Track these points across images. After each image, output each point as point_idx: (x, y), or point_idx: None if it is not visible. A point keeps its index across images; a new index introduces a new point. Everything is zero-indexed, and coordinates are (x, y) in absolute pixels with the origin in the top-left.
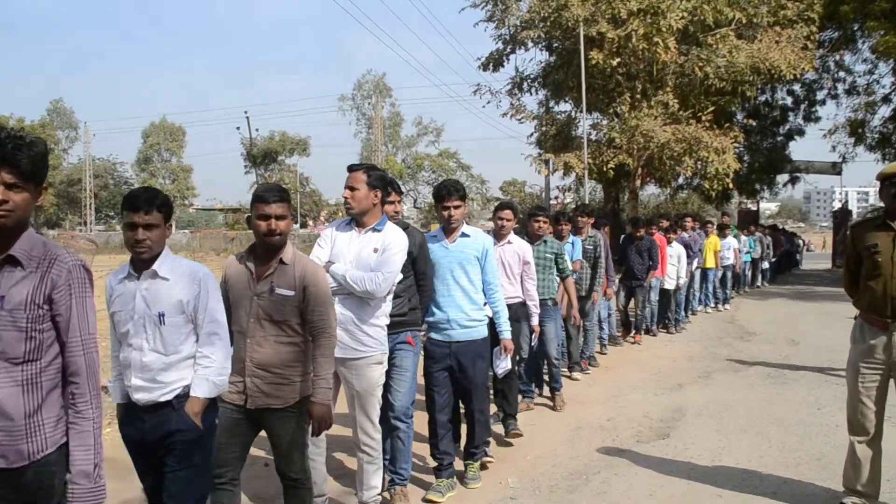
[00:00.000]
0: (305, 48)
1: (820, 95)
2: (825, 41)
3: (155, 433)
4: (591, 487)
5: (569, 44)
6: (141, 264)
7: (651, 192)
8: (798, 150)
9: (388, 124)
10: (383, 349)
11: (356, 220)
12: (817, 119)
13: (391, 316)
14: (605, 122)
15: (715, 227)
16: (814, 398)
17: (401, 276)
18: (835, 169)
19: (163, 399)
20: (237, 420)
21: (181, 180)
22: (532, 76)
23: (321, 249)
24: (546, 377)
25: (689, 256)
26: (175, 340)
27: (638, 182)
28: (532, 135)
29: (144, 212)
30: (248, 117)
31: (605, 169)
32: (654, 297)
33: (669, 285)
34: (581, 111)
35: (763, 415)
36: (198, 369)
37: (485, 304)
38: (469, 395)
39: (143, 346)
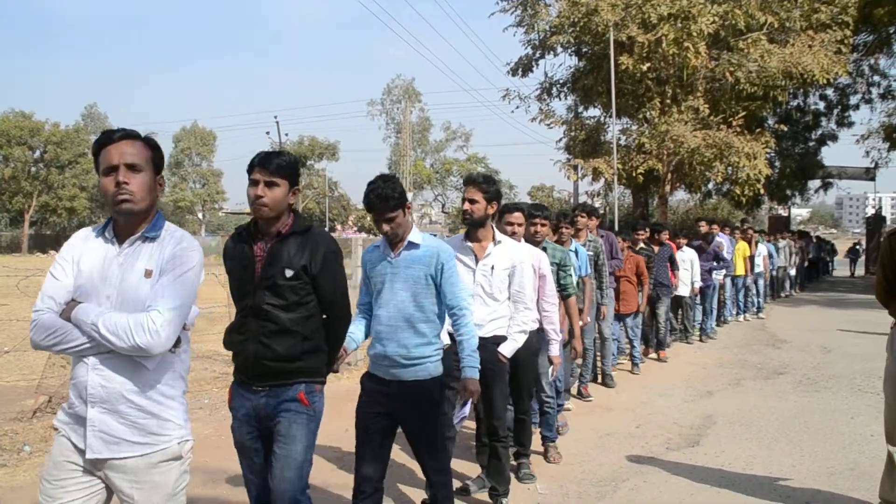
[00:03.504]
0: (335, 53)
1: (853, 100)
2: (859, 45)
3: None
4: (620, 495)
5: (598, 49)
6: None
7: (680, 198)
8: (830, 155)
9: (416, 129)
10: (182, 434)
11: (115, 222)
12: (850, 124)
13: (273, 361)
14: (634, 128)
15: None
16: (847, 407)
17: (285, 300)
18: (868, 174)
19: None
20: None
21: (211, 184)
22: (561, 81)
23: (56, 280)
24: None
25: (718, 263)
26: None
27: (667, 188)
28: (561, 140)
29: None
30: (277, 122)
31: (634, 174)
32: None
33: (683, 291)
34: (610, 116)
35: (795, 423)
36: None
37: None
38: (418, 451)
39: None
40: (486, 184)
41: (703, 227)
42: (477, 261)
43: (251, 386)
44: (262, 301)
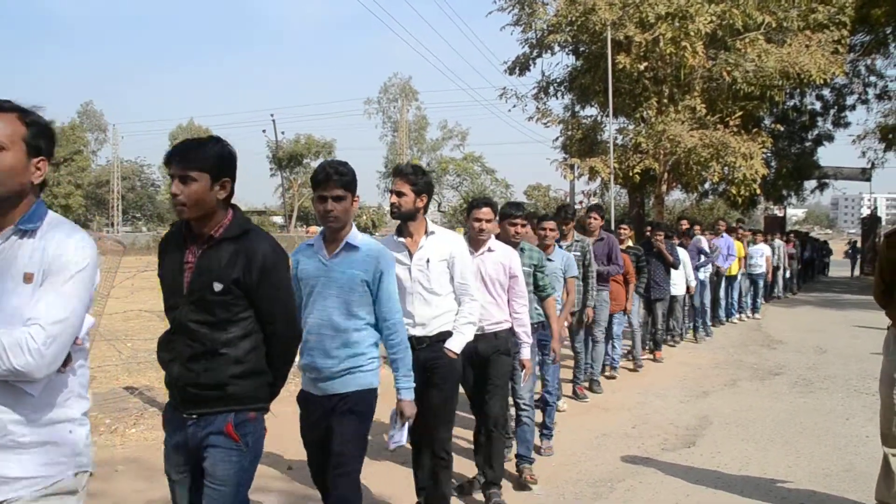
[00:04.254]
0: (331, 51)
1: (850, 100)
2: (856, 45)
3: None
4: (616, 495)
5: (596, 48)
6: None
7: (676, 198)
8: (827, 155)
9: (413, 128)
10: (79, 463)
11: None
12: (847, 124)
13: (196, 387)
14: (631, 127)
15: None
16: (843, 408)
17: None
18: (864, 175)
19: None
20: None
21: None
22: (558, 80)
23: None
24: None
25: (703, 261)
26: None
27: (664, 187)
28: (558, 139)
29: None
30: (273, 120)
31: (630, 174)
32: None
33: (676, 291)
34: (607, 115)
35: (791, 424)
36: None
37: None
38: (330, 465)
39: None
40: (414, 175)
41: (685, 225)
42: (411, 256)
43: (181, 412)
44: (187, 317)
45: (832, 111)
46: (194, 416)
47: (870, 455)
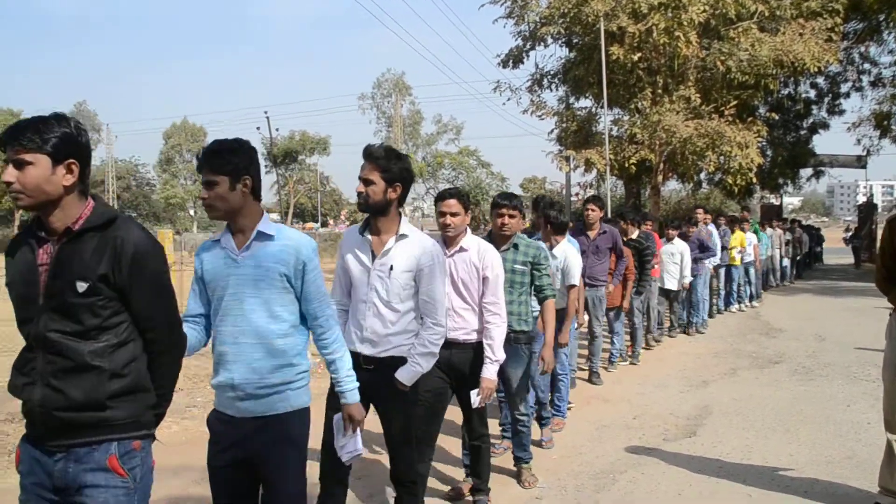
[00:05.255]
0: (325, 47)
1: (844, 88)
2: (849, 33)
3: None
4: (618, 487)
5: (589, 39)
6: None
7: (672, 188)
8: (822, 143)
9: (407, 122)
10: None
11: None
12: (842, 112)
13: (67, 411)
14: (626, 118)
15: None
16: (843, 395)
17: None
18: (860, 162)
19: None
20: None
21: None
22: (552, 72)
23: None
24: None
25: (704, 253)
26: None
27: (660, 178)
28: (553, 131)
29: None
30: (268, 117)
31: (626, 165)
32: (654, 301)
33: (670, 285)
34: (602, 107)
35: (791, 412)
36: None
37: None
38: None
39: None
40: (385, 159)
41: (700, 214)
42: (373, 258)
43: (44, 445)
44: (47, 328)
45: (826, 99)
46: (63, 449)
47: (871, 442)
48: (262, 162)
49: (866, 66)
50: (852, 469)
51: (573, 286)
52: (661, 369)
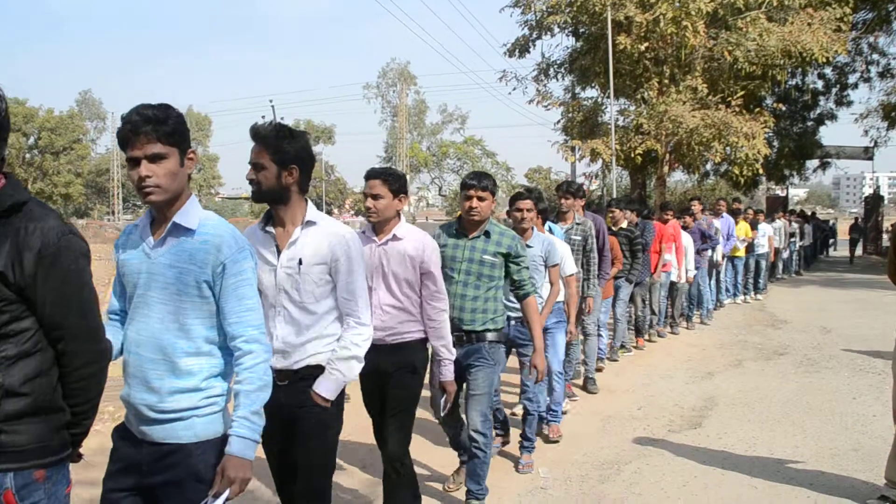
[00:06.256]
0: (330, 36)
1: (852, 79)
2: (858, 23)
3: None
4: (622, 477)
5: (595, 29)
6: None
7: (678, 179)
8: (829, 134)
9: (412, 112)
10: None
11: None
12: (849, 103)
13: None
14: (632, 108)
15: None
16: (849, 387)
17: None
18: (867, 154)
19: None
20: None
21: (207, 169)
22: (558, 62)
23: None
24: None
25: (706, 244)
26: None
27: (666, 168)
28: (559, 121)
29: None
30: (273, 106)
31: (632, 155)
32: (664, 293)
33: (675, 277)
34: (608, 97)
35: (797, 404)
36: None
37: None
38: None
39: None
40: (276, 139)
41: (696, 207)
42: (279, 253)
43: None
44: None
45: (834, 90)
46: None
47: (877, 434)
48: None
49: (875, 56)
50: (858, 461)
51: (556, 265)
52: (667, 360)
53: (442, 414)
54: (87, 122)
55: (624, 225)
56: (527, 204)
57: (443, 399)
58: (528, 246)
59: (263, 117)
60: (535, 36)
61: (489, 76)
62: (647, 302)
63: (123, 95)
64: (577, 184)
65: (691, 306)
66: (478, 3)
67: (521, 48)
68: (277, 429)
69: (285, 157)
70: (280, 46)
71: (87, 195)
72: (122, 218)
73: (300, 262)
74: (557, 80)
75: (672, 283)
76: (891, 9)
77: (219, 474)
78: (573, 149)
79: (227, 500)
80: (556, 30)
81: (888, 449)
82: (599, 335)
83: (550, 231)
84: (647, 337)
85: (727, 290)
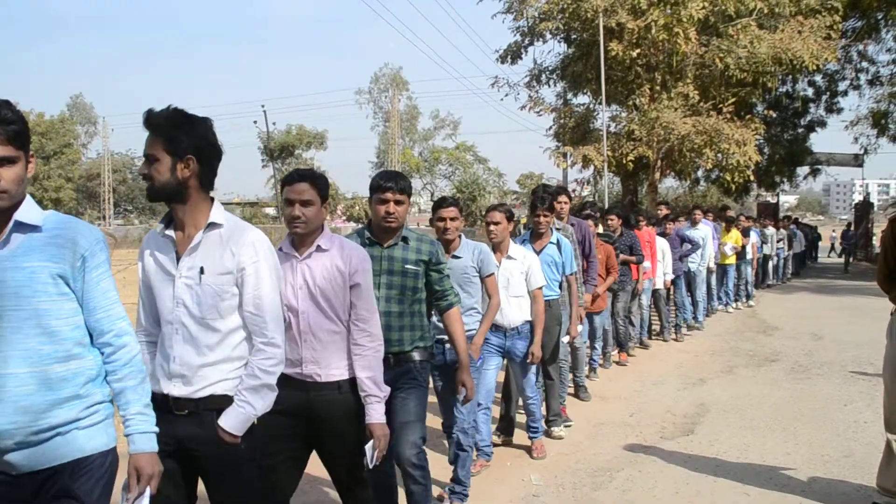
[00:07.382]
0: (322, 41)
1: (842, 86)
2: (848, 31)
3: None
4: (615, 485)
5: (587, 35)
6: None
7: (669, 185)
8: (819, 141)
9: (404, 118)
10: None
11: None
12: (839, 110)
13: None
14: (624, 115)
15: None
16: (840, 394)
17: None
18: (857, 161)
19: None
20: None
21: None
22: (550, 68)
23: None
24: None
25: (691, 250)
26: None
27: (657, 175)
28: (550, 127)
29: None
30: (265, 111)
31: (624, 161)
32: (646, 301)
33: (657, 285)
34: (600, 103)
35: (789, 410)
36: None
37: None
38: None
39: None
40: (170, 127)
41: (662, 211)
42: (178, 260)
43: None
44: None
45: (824, 97)
46: None
47: (868, 441)
48: (258, 156)
49: (864, 64)
50: (850, 468)
51: (490, 275)
52: (658, 367)
53: (371, 466)
54: (79, 126)
55: (600, 230)
56: (450, 212)
57: (369, 445)
58: (457, 256)
59: (255, 122)
60: (527, 42)
61: (481, 82)
62: (628, 315)
63: (114, 100)
64: (561, 187)
65: (679, 314)
66: (470, 10)
67: (513, 54)
68: (174, 469)
69: (180, 147)
70: (272, 51)
71: (77, 200)
72: (113, 223)
73: (202, 271)
74: (549, 86)
75: (655, 291)
76: (880, 17)
77: (133, 476)
78: (565, 155)
79: (150, 496)
80: (549, 36)
81: (879, 455)
82: (594, 346)
83: (557, 241)
84: (628, 351)
85: (719, 297)
